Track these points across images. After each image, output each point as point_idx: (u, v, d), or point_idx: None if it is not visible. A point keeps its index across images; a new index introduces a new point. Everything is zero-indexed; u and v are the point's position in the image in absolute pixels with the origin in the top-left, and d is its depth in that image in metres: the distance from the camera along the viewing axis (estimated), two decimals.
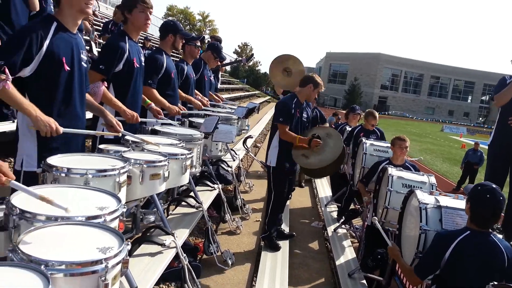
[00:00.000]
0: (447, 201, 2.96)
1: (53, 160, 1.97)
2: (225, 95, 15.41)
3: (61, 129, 2.14)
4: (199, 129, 3.79)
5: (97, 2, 18.25)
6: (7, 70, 2.03)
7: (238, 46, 59.24)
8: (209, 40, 9.16)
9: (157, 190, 2.38)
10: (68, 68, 2.30)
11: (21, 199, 1.55)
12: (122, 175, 2.00)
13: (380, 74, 61.08)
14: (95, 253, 1.26)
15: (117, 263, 1.27)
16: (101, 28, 9.96)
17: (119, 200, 1.69)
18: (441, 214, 2.83)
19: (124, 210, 1.69)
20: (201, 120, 4.21)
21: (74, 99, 2.39)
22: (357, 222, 6.37)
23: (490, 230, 2.51)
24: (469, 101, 65.85)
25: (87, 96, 2.65)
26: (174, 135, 3.23)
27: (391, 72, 62.64)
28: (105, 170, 1.93)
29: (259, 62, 61.04)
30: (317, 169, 4.60)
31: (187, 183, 4.03)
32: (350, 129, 6.61)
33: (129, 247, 1.37)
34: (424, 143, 24.18)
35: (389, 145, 5.31)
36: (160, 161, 2.30)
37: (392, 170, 4.23)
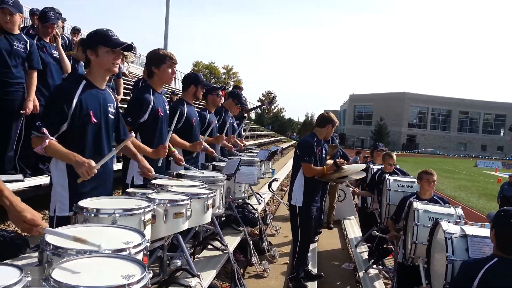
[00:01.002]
0: (473, 230, 2.91)
1: (84, 202, 2.14)
2: (250, 142, 15.71)
3: (94, 167, 2.34)
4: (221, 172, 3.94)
5: (128, 64, 19.54)
6: (44, 130, 2.33)
7: (262, 94, 60.64)
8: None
9: (180, 228, 2.49)
10: (95, 120, 2.52)
11: (55, 237, 1.69)
12: (147, 214, 2.13)
13: (406, 112, 60.70)
14: (119, 280, 1.36)
15: None
16: (132, 86, 10.62)
17: (143, 235, 1.81)
18: (467, 243, 2.78)
19: (148, 244, 1.80)
20: (224, 164, 4.37)
21: (103, 148, 2.61)
22: (389, 262, 6.18)
23: None
24: (501, 134, 63.86)
25: (129, 145, 2.93)
26: (197, 177, 3.37)
27: (417, 110, 62.16)
28: (131, 209, 2.07)
29: (283, 109, 62.07)
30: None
31: (213, 226, 4.15)
32: (374, 166, 6.59)
33: (151, 275, 1.46)
34: (458, 180, 23.38)
35: (414, 180, 5.27)
36: (183, 200, 2.43)
37: (417, 204, 4.18)
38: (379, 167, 6.37)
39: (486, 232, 2.87)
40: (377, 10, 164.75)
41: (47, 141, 2.32)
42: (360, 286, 5.43)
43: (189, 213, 2.46)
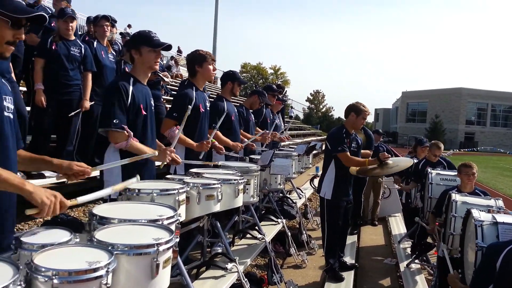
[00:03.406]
0: (504, 218, 2.87)
1: None
2: (297, 141, 15.80)
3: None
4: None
5: (178, 66, 20.49)
6: (127, 128, 2.66)
7: (310, 94, 60.31)
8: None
9: (212, 209, 2.72)
10: (145, 113, 2.82)
11: (100, 209, 1.97)
12: (181, 194, 2.39)
13: (464, 109, 57.46)
14: (151, 240, 1.60)
15: (167, 249, 1.60)
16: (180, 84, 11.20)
17: (175, 210, 2.05)
18: (498, 230, 2.76)
19: (179, 219, 2.04)
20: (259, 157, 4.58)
21: (147, 139, 2.90)
22: (434, 258, 6.05)
23: None
24: None
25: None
26: (233, 167, 3.60)
27: (476, 106, 58.64)
28: (167, 190, 2.33)
29: (332, 108, 61.06)
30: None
31: (251, 217, 4.37)
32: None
33: (177, 239, 1.69)
34: None
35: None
36: (214, 184, 2.66)
37: (456, 196, 4.12)
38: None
39: None
40: (429, 3, 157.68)
41: (130, 140, 2.65)
42: (401, 281, 5.39)
43: (220, 196, 2.69)
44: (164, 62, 17.22)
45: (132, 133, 2.66)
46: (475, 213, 2.99)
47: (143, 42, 2.80)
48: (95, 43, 4.96)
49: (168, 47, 2.86)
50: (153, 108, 2.99)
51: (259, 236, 4.19)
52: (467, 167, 4.54)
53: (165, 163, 2.91)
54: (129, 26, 20.89)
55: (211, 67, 3.78)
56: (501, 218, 2.87)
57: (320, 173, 4.88)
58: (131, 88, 2.75)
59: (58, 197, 1.60)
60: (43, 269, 1.30)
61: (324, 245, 4.71)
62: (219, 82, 21.30)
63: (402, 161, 4.88)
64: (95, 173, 2.63)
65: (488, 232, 2.80)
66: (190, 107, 2.82)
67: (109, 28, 5.11)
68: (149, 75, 3.00)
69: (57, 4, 5.05)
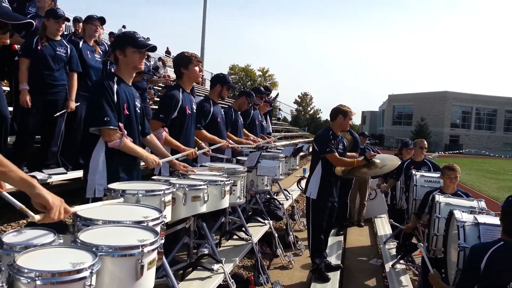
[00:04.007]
0: (486, 218, 2.94)
1: (113, 185, 2.41)
2: (284, 142, 15.85)
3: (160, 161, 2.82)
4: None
5: (165, 67, 20.37)
6: (121, 126, 2.68)
7: (298, 96, 60.51)
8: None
9: (198, 210, 2.72)
10: (128, 112, 2.80)
11: (84, 210, 1.96)
12: (167, 196, 2.38)
13: (448, 112, 58.35)
14: (135, 242, 1.60)
15: (152, 250, 1.60)
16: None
17: (160, 211, 2.05)
18: (479, 231, 2.82)
19: (165, 220, 2.04)
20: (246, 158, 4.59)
21: (134, 139, 2.88)
22: (418, 258, 6.14)
23: None
24: None
25: (155, 141, 3.21)
26: (219, 169, 3.60)
27: (460, 109, 59.60)
28: (152, 191, 2.32)
29: (320, 110, 61.32)
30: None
31: (238, 218, 4.38)
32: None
33: (162, 241, 1.69)
34: (502, 181, 22.30)
35: None
36: (200, 185, 2.66)
37: (439, 197, 4.19)
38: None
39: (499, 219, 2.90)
40: (414, 8, 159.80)
41: (124, 138, 2.66)
42: (387, 282, 5.45)
43: (206, 197, 2.69)
44: (152, 63, 17.10)
45: (126, 132, 2.67)
46: (458, 214, 3.05)
47: (128, 43, 2.79)
48: (81, 43, 4.91)
49: (153, 48, 2.86)
50: (138, 108, 2.97)
51: (246, 237, 4.20)
52: (450, 170, 4.63)
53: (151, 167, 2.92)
54: (123, 27, 20.75)
55: (197, 68, 3.78)
56: (482, 219, 2.94)
57: (307, 174, 4.92)
58: (115, 86, 2.74)
59: (62, 202, 1.59)
60: (25, 270, 1.29)
61: (310, 245, 4.74)
62: (207, 83, 21.29)
63: (389, 159, 4.91)
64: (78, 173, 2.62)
65: (470, 232, 2.86)
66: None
67: (99, 29, 5.07)
68: (134, 75, 2.98)
69: (41, 2, 4.94)
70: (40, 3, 4.92)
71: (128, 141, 2.69)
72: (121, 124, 2.67)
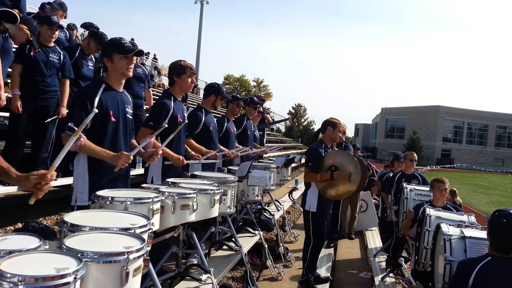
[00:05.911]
0: (472, 232, 2.97)
1: (101, 192, 2.40)
2: (277, 153, 15.87)
3: (130, 155, 2.68)
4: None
5: (160, 76, 20.43)
6: (78, 129, 2.59)
7: (292, 107, 60.75)
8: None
9: (187, 219, 2.71)
10: (114, 120, 2.80)
11: (71, 217, 1.95)
12: (155, 204, 2.38)
13: (441, 126, 58.97)
14: (121, 248, 1.60)
15: (138, 257, 1.59)
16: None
17: (148, 219, 2.05)
18: (465, 244, 2.84)
19: (153, 228, 2.03)
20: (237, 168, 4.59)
21: (119, 145, 2.85)
22: (408, 271, 6.14)
23: None
24: None
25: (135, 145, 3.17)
26: (209, 178, 3.60)
27: (452, 124, 60.26)
28: (140, 198, 2.32)
29: (314, 122, 61.55)
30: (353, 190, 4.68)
31: (228, 228, 4.36)
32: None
33: (149, 248, 1.69)
34: (492, 196, 22.49)
35: None
36: (190, 194, 2.66)
37: (430, 211, 4.22)
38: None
39: (485, 234, 2.92)
40: (407, 22, 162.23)
41: (82, 140, 2.57)
42: None
43: (195, 206, 2.69)
44: (147, 72, 17.13)
45: (83, 136, 2.57)
46: (444, 227, 3.08)
47: (114, 50, 2.79)
48: (78, 50, 4.94)
49: (140, 53, 2.85)
50: (129, 115, 2.97)
51: (236, 247, 4.19)
52: (440, 182, 4.67)
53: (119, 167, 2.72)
54: (132, 39, 20.76)
55: (189, 80, 3.78)
56: (468, 232, 2.97)
57: (299, 185, 4.95)
58: (99, 93, 2.73)
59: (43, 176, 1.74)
60: (8, 275, 1.28)
61: (308, 258, 4.73)
62: (201, 92, 21.33)
63: (343, 155, 4.72)
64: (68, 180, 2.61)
65: (456, 246, 2.89)
66: (96, 110, 2.65)
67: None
68: (123, 82, 2.97)
69: (52, 13, 5.01)
70: (50, 14, 4.98)
71: (87, 141, 2.60)
72: (74, 126, 2.57)
